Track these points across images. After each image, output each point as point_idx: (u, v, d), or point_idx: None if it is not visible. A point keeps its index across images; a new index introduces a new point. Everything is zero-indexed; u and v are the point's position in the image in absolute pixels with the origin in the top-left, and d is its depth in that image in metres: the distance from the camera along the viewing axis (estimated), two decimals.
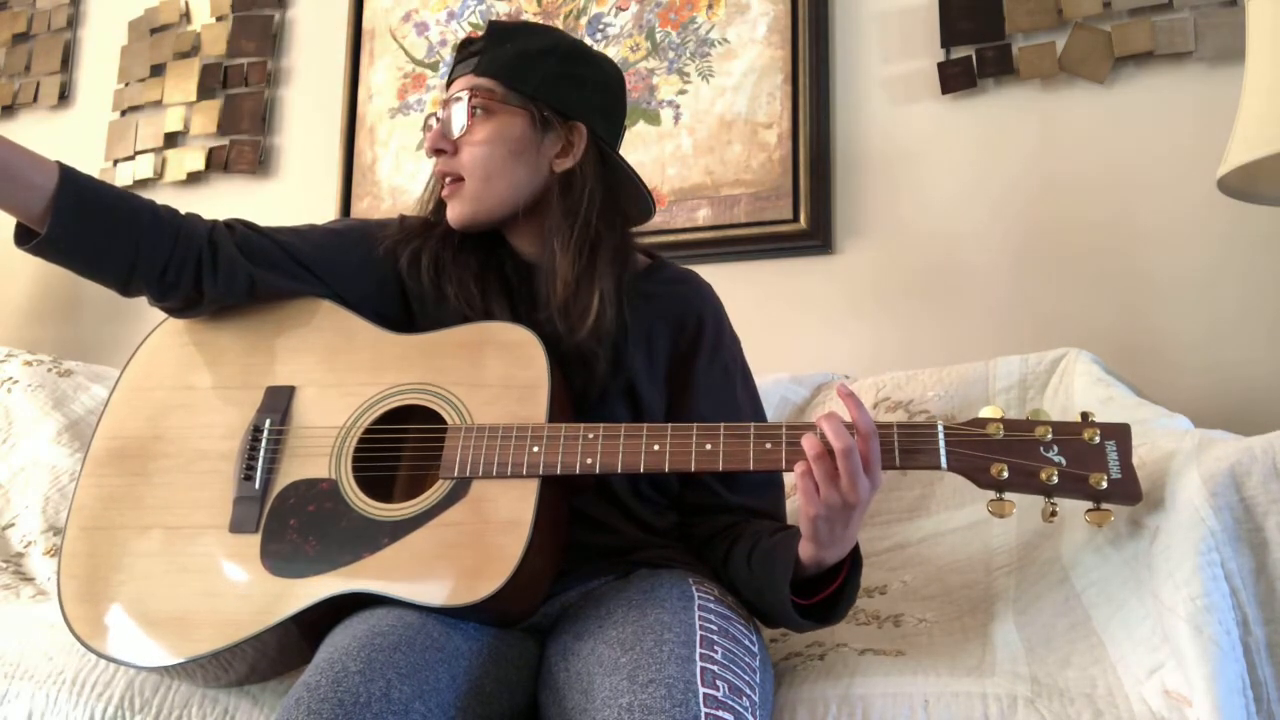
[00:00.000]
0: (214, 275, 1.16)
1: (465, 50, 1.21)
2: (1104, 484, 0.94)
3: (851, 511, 0.95)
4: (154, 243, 1.13)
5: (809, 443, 0.96)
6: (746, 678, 0.94)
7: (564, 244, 1.16)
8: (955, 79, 1.81)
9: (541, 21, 2.07)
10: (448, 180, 1.19)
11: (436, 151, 1.18)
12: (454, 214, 1.20)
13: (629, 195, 1.22)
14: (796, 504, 0.99)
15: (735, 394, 1.22)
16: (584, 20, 2.10)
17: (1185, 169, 1.63)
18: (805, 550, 1.00)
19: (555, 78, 1.18)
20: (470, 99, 1.16)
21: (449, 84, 1.22)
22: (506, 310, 1.18)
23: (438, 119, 1.20)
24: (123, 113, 2.59)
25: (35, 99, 2.71)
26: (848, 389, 0.98)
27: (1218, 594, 0.90)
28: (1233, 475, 0.94)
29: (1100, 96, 1.73)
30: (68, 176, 1.08)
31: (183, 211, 1.19)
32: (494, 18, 2.19)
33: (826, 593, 1.04)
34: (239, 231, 1.20)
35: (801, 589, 1.04)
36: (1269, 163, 1.29)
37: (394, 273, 1.22)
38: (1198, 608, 0.89)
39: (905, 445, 0.98)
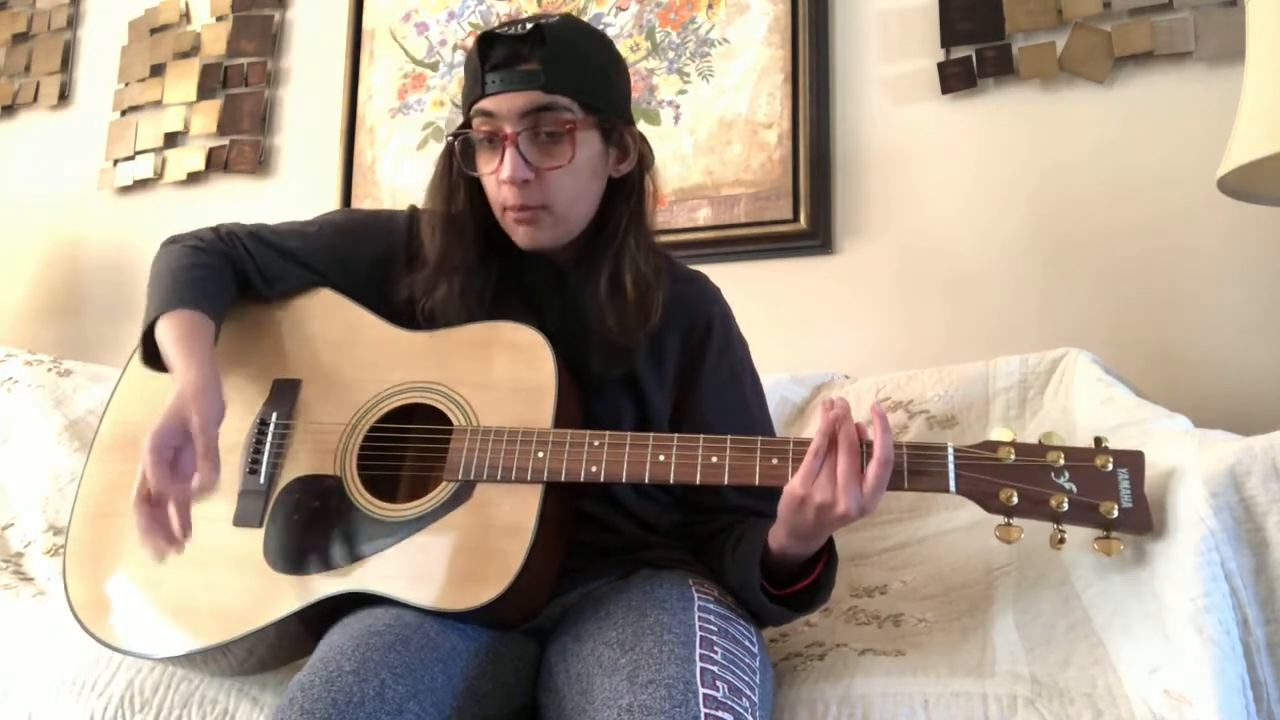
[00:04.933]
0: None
1: (514, 56, 1.07)
2: (1114, 513, 0.92)
3: (832, 511, 0.94)
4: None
5: (848, 431, 0.95)
6: (746, 678, 0.94)
7: (638, 246, 1.15)
8: (955, 79, 1.81)
9: None
10: (521, 208, 1.11)
11: (522, 182, 1.08)
12: (533, 240, 1.13)
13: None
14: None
15: (743, 396, 1.22)
16: (584, 20, 2.10)
17: (1185, 169, 1.63)
18: (776, 535, 1.01)
19: (616, 85, 1.15)
20: (563, 126, 1.08)
21: (492, 91, 1.08)
22: (536, 321, 1.15)
23: (505, 141, 1.08)
24: (123, 113, 2.59)
25: (35, 99, 2.71)
26: (883, 411, 0.96)
27: (1218, 594, 0.90)
28: (1233, 475, 0.94)
29: (1100, 96, 1.73)
30: (217, 324, 1.15)
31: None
32: (495, 18, 2.19)
33: (800, 586, 1.05)
34: (258, 259, 1.21)
35: (781, 584, 1.05)
36: (1269, 163, 1.29)
37: (404, 261, 1.21)
38: (1198, 608, 0.89)
39: (914, 466, 0.97)
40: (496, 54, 1.08)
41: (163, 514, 1.00)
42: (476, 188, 1.17)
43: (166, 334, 1.10)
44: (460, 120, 1.16)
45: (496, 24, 1.11)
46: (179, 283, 1.14)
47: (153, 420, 1.09)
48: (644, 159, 1.18)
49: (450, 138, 1.15)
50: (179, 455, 1.02)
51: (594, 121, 1.11)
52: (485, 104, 1.09)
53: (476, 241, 1.17)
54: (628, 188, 1.17)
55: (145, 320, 1.14)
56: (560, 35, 1.08)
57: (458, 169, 1.16)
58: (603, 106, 1.12)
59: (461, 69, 2.22)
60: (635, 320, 1.13)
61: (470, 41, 1.14)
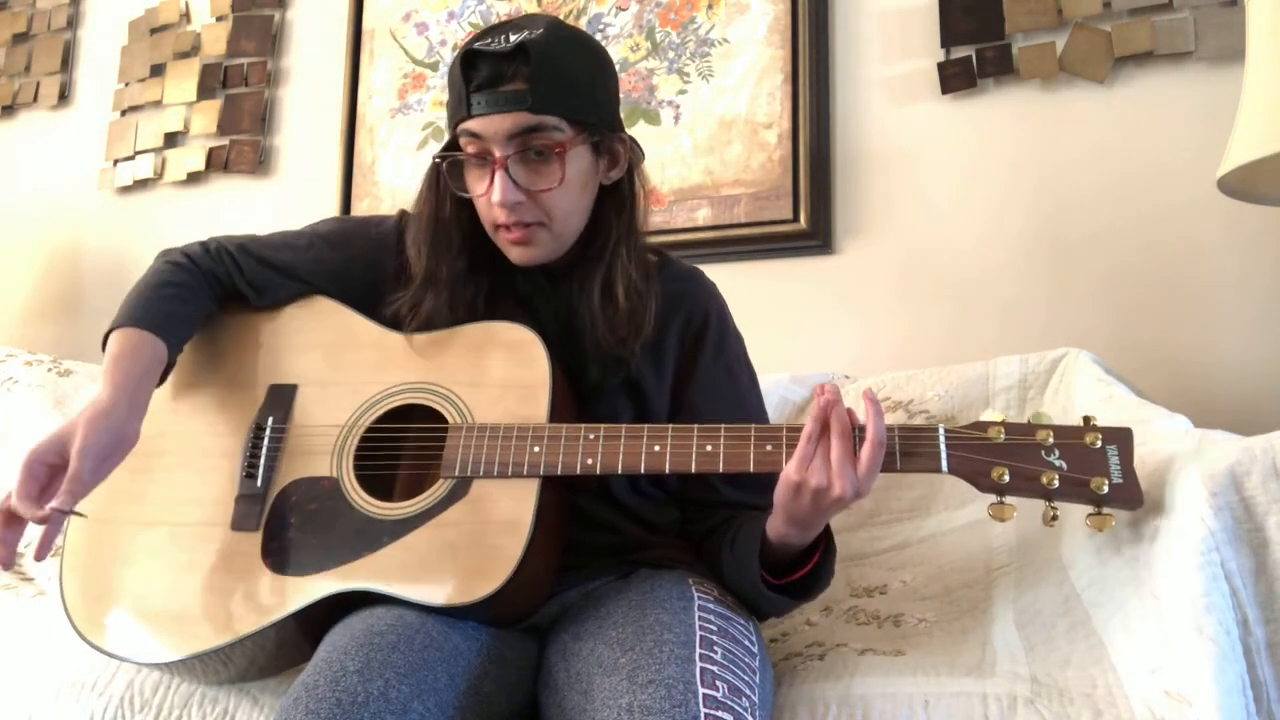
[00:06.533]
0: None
1: (498, 76, 1.05)
2: (1105, 488, 0.93)
3: (828, 495, 0.95)
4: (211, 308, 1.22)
5: (840, 416, 0.95)
6: (746, 678, 0.94)
7: (629, 255, 1.15)
8: (955, 79, 1.81)
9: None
10: (515, 226, 1.10)
11: (513, 204, 1.08)
12: (528, 258, 1.13)
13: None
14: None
15: (739, 391, 1.22)
16: (584, 20, 2.10)
17: (1185, 169, 1.63)
18: (773, 524, 1.01)
19: (604, 94, 1.14)
20: (553, 148, 1.07)
21: (478, 113, 1.06)
22: (535, 325, 1.14)
23: (494, 165, 1.07)
24: (123, 113, 2.59)
25: (35, 99, 2.72)
26: (874, 395, 0.97)
27: (1218, 594, 0.90)
28: (1233, 475, 0.94)
29: (1100, 96, 1.73)
30: (172, 347, 1.13)
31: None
32: (495, 18, 2.19)
33: (800, 574, 1.05)
34: (247, 272, 1.21)
35: (781, 575, 1.05)
36: (1269, 163, 1.29)
37: (394, 273, 1.21)
38: (1198, 608, 0.89)
39: (906, 448, 0.98)
40: (481, 73, 1.06)
41: (14, 533, 1.00)
42: (464, 200, 1.16)
43: (109, 350, 1.10)
44: (447, 134, 1.14)
45: (479, 34, 1.08)
46: (143, 300, 1.14)
47: (147, 429, 1.09)
48: (633, 162, 1.18)
49: (437, 159, 1.14)
50: (57, 475, 1.00)
51: (584, 137, 1.10)
52: (472, 125, 1.07)
53: (464, 253, 1.17)
54: (619, 195, 1.17)
55: (104, 334, 1.13)
56: (545, 51, 1.05)
57: (444, 185, 1.15)
58: (591, 120, 1.10)
59: None
60: (628, 330, 1.13)
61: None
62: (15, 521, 1.00)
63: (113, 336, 1.11)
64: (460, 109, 1.08)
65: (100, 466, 1.01)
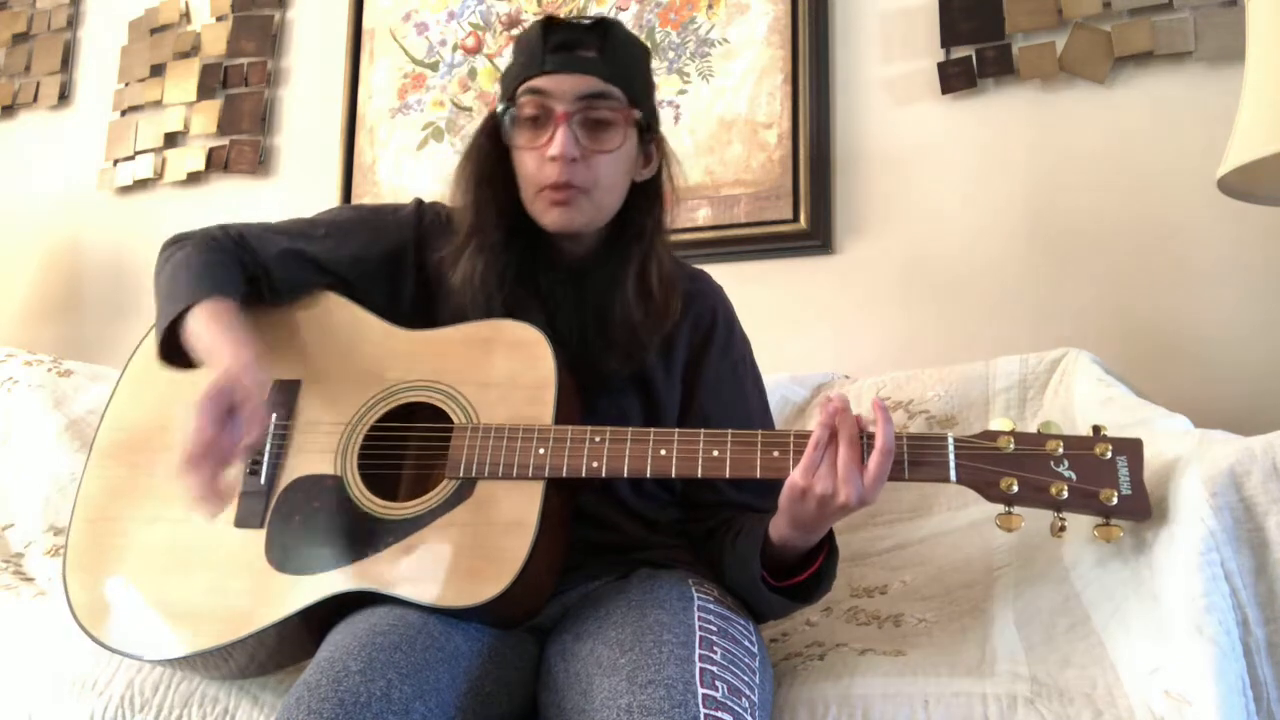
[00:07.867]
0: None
1: (575, 41, 1.11)
2: (1114, 500, 0.93)
3: (834, 502, 0.95)
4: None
5: (849, 423, 0.96)
6: (746, 678, 0.94)
7: (661, 255, 1.18)
8: (955, 79, 1.81)
9: None
10: (561, 187, 1.11)
11: (570, 160, 1.09)
12: (564, 221, 1.13)
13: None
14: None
15: (745, 392, 1.23)
16: None
17: (1185, 169, 1.63)
18: (777, 525, 1.01)
19: (652, 93, 1.20)
20: (617, 114, 1.12)
21: (550, 70, 1.10)
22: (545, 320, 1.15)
23: (557, 120, 1.09)
24: (123, 113, 2.59)
25: (35, 99, 2.71)
26: (884, 404, 0.97)
27: (1218, 594, 0.90)
28: (1233, 475, 0.94)
29: (1100, 96, 1.73)
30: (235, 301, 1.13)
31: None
32: (495, 18, 2.19)
33: (801, 578, 1.06)
34: (264, 259, 1.19)
35: (782, 576, 1.06)
36: (1269, 162, 1.29)
37: (414, 265, 1.21)
38: (1198, 608, 0.89)
39: (914, 457, 0.98)
40: (558, 36, 1.12)
41: (214, 475, 0.98)
42: (508, 174, 1.17)
43: (201, 319, 1.08)
44: (486, 105, 1.16)
45: (558, 12, 1.15)
46: (208, 274, 1.13)
47: (151, 424, 1.08)
48: (667, 160, 1.21)
49: (500, 107, 1.15)
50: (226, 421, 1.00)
51: (637, 119, 1.15)
52: (540, 82, 1.11)
53: (501, 224, 1.17)
54: (650, 192, 1.20)
55: (170, 312, 1.11)
56: (620, 33, 1.15)
57: (495, 141, 1.16)
58: (645, 108, 1.16)
59: (461, 66, 2.21)
60: (657, 319, 1.15)
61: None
62: (203, 464, 0.98)
63: (198, 310, 1.09)
64: (531, 67, 1.12)
65: (263, 406, 1.03)
